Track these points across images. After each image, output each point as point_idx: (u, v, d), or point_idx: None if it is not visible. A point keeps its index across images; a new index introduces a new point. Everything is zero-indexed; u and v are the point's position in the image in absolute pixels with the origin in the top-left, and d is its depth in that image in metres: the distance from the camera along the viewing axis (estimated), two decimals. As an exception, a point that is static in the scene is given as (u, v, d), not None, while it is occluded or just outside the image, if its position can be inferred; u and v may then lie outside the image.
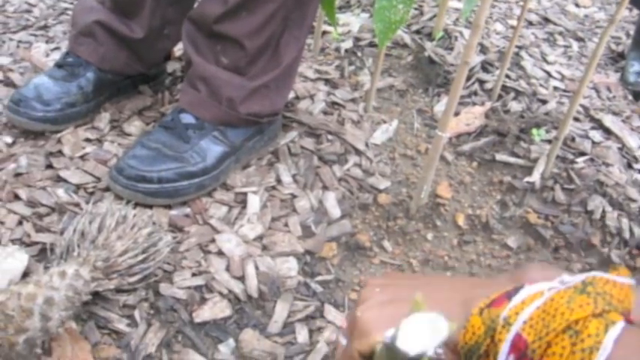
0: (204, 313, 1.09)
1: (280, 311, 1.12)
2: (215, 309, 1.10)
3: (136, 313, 1.06)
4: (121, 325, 1.04)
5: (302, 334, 1.10)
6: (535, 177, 1.38)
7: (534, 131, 1.46)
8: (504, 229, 1.32)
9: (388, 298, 0.53)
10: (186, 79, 1.28)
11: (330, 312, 1.13)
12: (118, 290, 1.06)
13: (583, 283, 0.45)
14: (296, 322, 1.11)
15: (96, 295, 1.03)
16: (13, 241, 1.11)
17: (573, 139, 1.47)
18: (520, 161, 1.45)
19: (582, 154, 1.46)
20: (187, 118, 1.25)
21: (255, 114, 1.28)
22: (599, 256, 1.29)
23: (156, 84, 1.51)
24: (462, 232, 1.31)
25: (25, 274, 1.05)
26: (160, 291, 1.10)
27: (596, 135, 1.51)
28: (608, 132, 1.59)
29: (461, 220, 1.32)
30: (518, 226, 1.33)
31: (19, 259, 1.06)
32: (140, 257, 1.07)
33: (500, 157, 1.45)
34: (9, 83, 1.45)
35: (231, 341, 1.07)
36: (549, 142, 1.47)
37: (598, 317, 0.42)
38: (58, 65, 1.36)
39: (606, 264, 1.28)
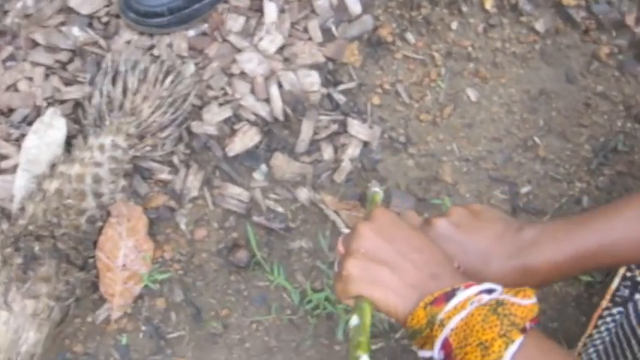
0: (235, 146, 1.17)
1: (306, 129, 1.20)
2: (245, 138, 1.18)
3: (174, 158, 1.16)
4: (164, 175, 1.15)
5: (327, 152, 1.19)
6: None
7: None
8: (534, 9, 1.26)
9: (371, 257, 0.64)
10: None
11: (354, 126, 1.20)
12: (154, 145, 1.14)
13: (497, 303, 0.57)
14: (321, 140, 1.20)
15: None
16: (46, 99, 1.16)
17: None
18: None
19: None
20: None
21: None
22: (631, 37, 1.25)
23: None
24: (489, 16, 1.26)
25: (67, 141, 1.13)
26: (193, 129, 1.17)
27: None
28: None
29: (489, 3, 1.25)
30: (549, 6, 1.26)
31: (58, 127, 1.12)
32: (168, 112, 1.13)
33: None
34: None
35: (263, 167, 1.18)
36: None
37: (502, 337, 0.55)
38: None
39: (636, 47, 1.24)
